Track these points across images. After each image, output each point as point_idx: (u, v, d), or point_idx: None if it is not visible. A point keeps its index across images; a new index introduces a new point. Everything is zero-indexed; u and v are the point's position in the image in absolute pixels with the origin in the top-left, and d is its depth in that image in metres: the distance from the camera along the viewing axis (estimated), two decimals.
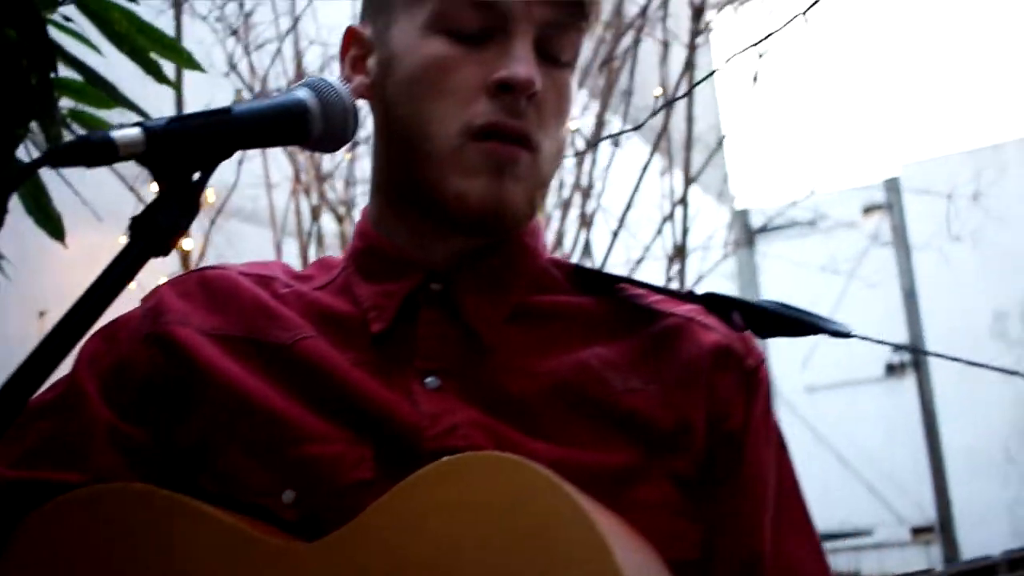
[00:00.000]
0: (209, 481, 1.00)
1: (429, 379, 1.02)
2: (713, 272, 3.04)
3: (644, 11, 2.51)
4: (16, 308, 2.51)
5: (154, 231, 0.84)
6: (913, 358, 7.47)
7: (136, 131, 0.83)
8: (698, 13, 2.41)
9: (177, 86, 1.47)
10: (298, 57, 2.49)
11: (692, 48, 2.55)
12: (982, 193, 4.87)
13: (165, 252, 0.85)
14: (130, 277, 0.84)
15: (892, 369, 7.45)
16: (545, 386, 1.03)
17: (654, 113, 1.85)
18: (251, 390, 1.02)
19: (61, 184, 1.62)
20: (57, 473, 1.01)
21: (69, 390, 1.05)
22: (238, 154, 0.94)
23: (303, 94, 0.95)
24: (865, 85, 7.80)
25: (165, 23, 2.41)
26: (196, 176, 0.88)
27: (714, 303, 1.09)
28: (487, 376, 1.03)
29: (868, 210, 7.61)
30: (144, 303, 1.09)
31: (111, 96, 1.48)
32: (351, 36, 1.13)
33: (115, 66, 1.57)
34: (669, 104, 1.37)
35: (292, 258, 2.67)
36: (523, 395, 1.02)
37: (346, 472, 0.97)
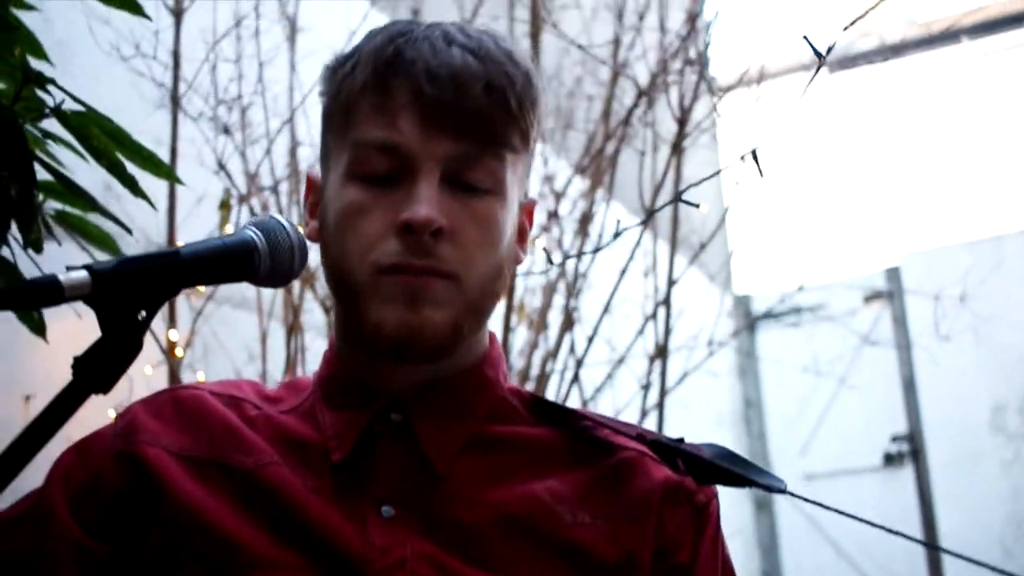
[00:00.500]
0: None
1: (385, 508, 1.07)
2: (700, 369, 3.06)
3: (628, 119, 2.56)
4: (1, 392, 2.54)
5: (97, 369, 0.88)
6: (911, 448, 7.44)
7: (82, 274, 0.88)
8: (682, 123, 2.47)
9: (147, 198, 1.51)
10: (292, 153, 2.54)
11: (677, 149, 2.60)
12: (982, 285, 4.89)
13: (106, 390, 0.89)
14: (69, 414, 0.88)
15: (890, 459, 7.41)
16: (495, 516, 1.08)
17: (656, 209, 1.87)
18: (210, 512, 1.06)
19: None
20: None
21: (38, 504, 1.10)
22: None
23: (251, 234, 1.00)
24: (867, 175, 7.87)
25: (162, 118, 2.47)
26: (141, 315, 0.92)
27: (659, 448, 1.13)
28: (440, 506, 1.08)
29: (869, 299, 7.63)
30: (118, 420, 1.15)
31: (90, 205, 1.53)
32: (309, 183, 1.22)
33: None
34: (675, 201, 1.39)
35: (278, 345, 2.70)
36: (473, 525, 1.07)
37: None
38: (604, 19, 2.93)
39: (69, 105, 1.48)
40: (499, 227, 1.11)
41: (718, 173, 1.64)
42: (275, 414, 1.16)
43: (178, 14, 2.51)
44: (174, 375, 2.44)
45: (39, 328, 1.68)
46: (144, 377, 2.65)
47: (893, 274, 7.67)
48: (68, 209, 1.77)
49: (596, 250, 1.68)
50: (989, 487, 6.51)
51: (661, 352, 2.72)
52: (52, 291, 0.86)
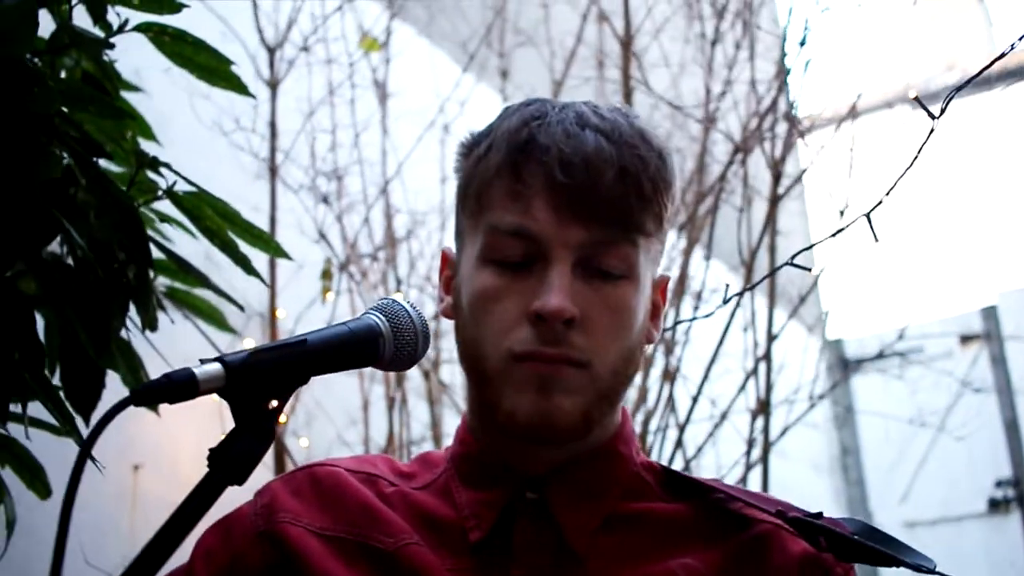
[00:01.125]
0: None
1: None
2: (800, 421, 3.00)
3: (724, 175, 2.55)
4: (112, 462, 2.58)
5: (230, 462, 0.89)
6: (1017, 493, 7.22)
7: (216, 367, 0.88)
8: (777, 177, 2.44)
9: (259, 275, 1.53)
10: (388, 220, 2.57)
11: (774, 204, 2.58)
12: None
13: (241, 481, 0.90)
14: (208, 506, 0.88)
15: (995, 504, 7.20)
16: None
17: (772, 272, 1.84)
18: None
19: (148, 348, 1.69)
20: None
21: None
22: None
23: (375, 320, 1.00)
24: (957, 213, 7.73)
25: (260, 188, 2.51)
26: (272, 404, 0.92)
27: (800, 525, 1.10)
28: None
29: (966, 340, 7.46)
30: (257, 499, 1.16)
31: (201, 282, 1.55)
32: (444, 259, 1.21)
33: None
34: (783, 266, 1.39)
35: (379, 404, 2.71)
36: None
37: None
38: (692, 72, 2.92)
39: (180, 186, 1.52)
40: (632, 313, 1.10)
41: (827, 239, 1.60)
42: (410, 491, 1.16)
43: (274, 86, 2.56)
44: (278, 442, 2.46)
45: (155, 407, 1.70)
46: None
47: (990, 313, 7.50)
48: (177, 285, 1.81)
49: (706, 315, 1.66)
50: None
51: (763, 407, 2.68)
52: (188, 386, 0.86)
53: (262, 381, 0.91)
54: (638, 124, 1.11)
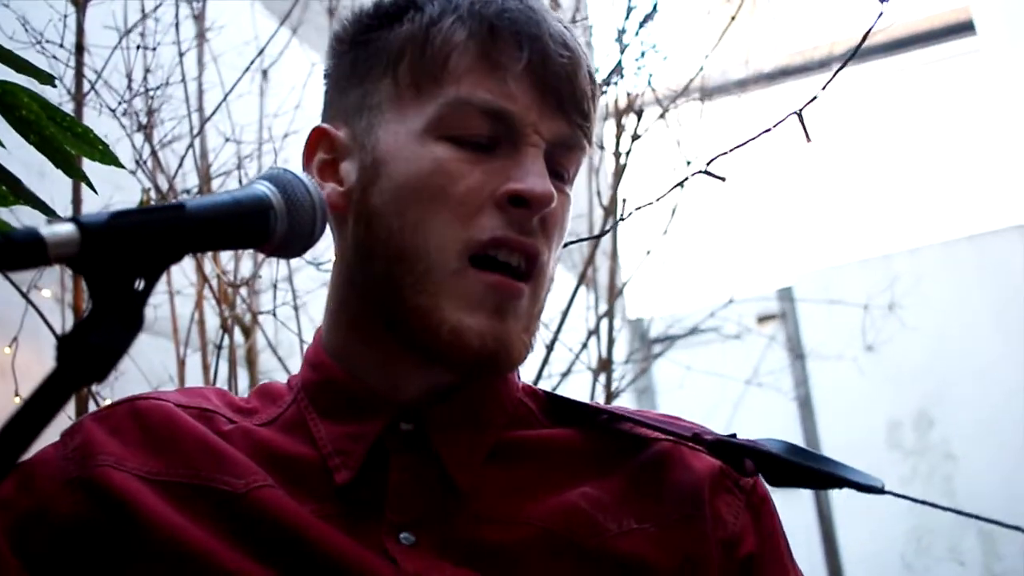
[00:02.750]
0: None
1: (404, 535, 0.91)
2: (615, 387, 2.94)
3: None
4: None
5: (88, 353, 0.68)
6: None
7: (69, 228, 0.68)
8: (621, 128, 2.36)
9: (87, 180, 1.30)
10: (204, 155, 2.33)
11: (619, 159, 2.49)
12: (874, 301, 4.94)
13: (101, 378, 0.70)
14: (55, 412, 0.68)
15: None
16: (533, 534, 0.93)
17: (605, 232, 1.75)
18: (198, 545, 0.88)
19: None
20: None
21: None
22: None
23: (265, 188, 0.81)
24: (758, 194, 7.93)
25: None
26: (139, 284, 0.73)
27: (723, 448, 0.99)
28: (467, 526, 0.93)
29: (762, 319, 7.66)
30: (67, 440, 0.95)
31: (14, 191, 1.31)
32: (319, 136, 1.02)
33: (12, 155, 1.41)
34: (600, 236, 1.29)
35: (196, 373, 2.48)
36: (507, 546, 0.92)
37: None
38: None
39: None
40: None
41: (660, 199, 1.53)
42: (253, 427, 0.99)
43: (81, 5, 2.29)
44: (80, 403, 2.20)
45: None
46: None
47: (786, 293, 7.73)
48: None
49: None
50: (888, 503, 6.54)
51: (605, 365, 2.59)
52: (33, 249, 0.66)
53: (127, 251, 0.71)
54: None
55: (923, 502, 1.07)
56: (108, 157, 1.35)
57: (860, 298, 5.11)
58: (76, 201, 2.11)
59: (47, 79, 1.25)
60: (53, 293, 2.43)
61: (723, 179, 1.23)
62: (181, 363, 2.44)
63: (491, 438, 0.99)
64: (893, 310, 4.93)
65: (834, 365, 5.83)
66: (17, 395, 2.32)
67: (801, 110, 1.09)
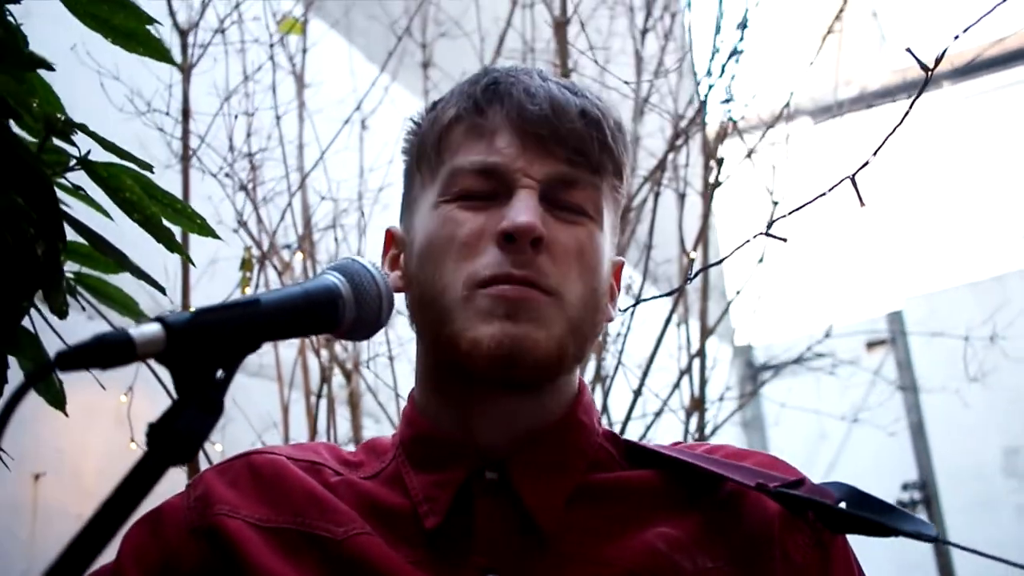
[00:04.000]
0: None
1: (490, 575, 0.96)
2: (726, 422, 2.96)
3: (661, 164, 2.48)
4: (12, 471, 2.40)
5: (174, 438, 0.76)
6: (923, 495, 7.32)
7: (156, 328, 0.76)
8: (709, 169, 2.39)
9: (186, 255, 1.40)
10: (307, 212, 2.44)
11: (708, 201, 2.52)
12: (985, 326, 4.83)
13: (187, 460, 0.77)
14: (148, 491, 0.76)
15: (903, 507, 7.29)
16: (613, 575, 0.97)
17: (689, 280, 1.79)
18: None
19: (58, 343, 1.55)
20: None
21: None
22: None
23: (334, 279, 0.89)
24: (866, 219, 7.83)
25: (172, 178, 2.37)
26: (220, 374, 0.80)
27: (786, 499, 1.02)
28: (550, 568, 0.98)
29: (872, 345, 7.56)
30: (190, 491, 1.05)
31: (120, 263, 1.41)
32: (389, 237, 1.14)
33: (120, 223, 1.51)
34: (705, 269, 1.32)
35: (299, 416, 2.58)
36: None
37: None
38: (622, 63, 2.85)
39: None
40: (597, 254, 1.04)
41: (740, 247, 1.55)
42: (357, 480, 1.06)
43: (187, 70, 2.42)
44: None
45: (59, 401, 1.56)
46: None
47: (895, 318, 7.62)
48: (87, 271, 1.66)
49: (624, 310, 1.58)
50: (1004, 532, 6.39)
51: (698, 405, 2.61)
52: (123, 349, 0.74)
53: (208, 345, 0.79)
54: (591, 92, 1.09)
55: (978, 553, 1.08)
56: (206, 230, 1.45)
57: (970, 322, 5.01)
58: (185, 269, 2.23)
59: (146, 166, 1.35)
60: None
61: (784, 240, 1.27)
62: (285, 408, 2.55)
63: (572, 481, 1.03)
64: (1002, 337, 4.81)
65: (947, 392, 5.71)
66: (132, 441, 2.45)
67: (854, 175, 1.12)
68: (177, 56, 2.47)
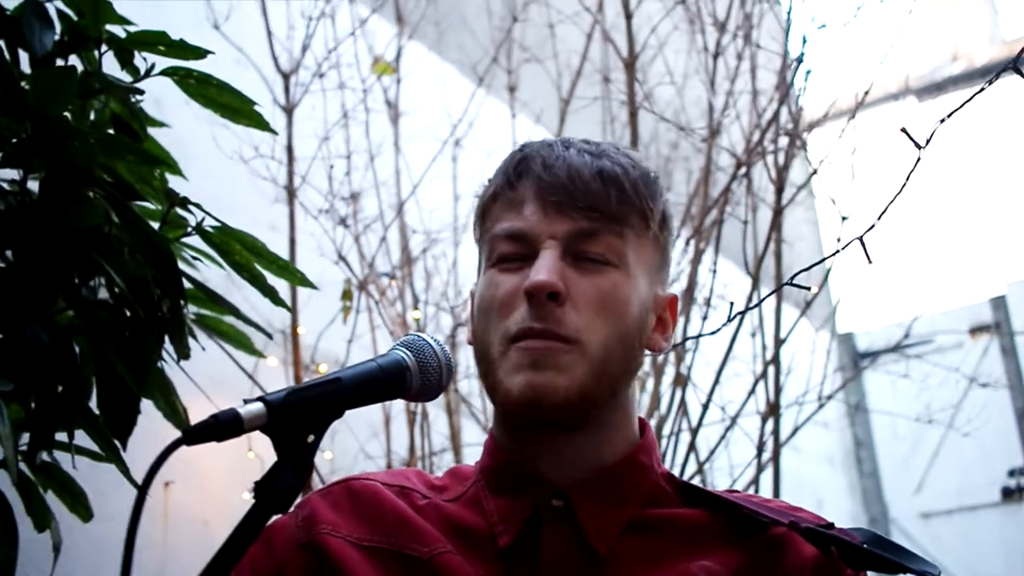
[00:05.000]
0: None
1: None
2: (811, 420, 3.08)
3: (728, 187, 2.62)
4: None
5: (274, 493, 0.97)
6: None
7: (259, 407, 0.96)
8: (780, 189, 2.51)
9: (287, 307, 1.61)
10: (404, 239, 2.65)
11: (777, 215, 2.65)
12: None
13: (283, 510, 0.98)
14: (256, 534, 0.96)
15: (1009, 493, 7.25)
16: None
17: (775, 291, 1.90)
18: None
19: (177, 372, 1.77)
20: None
21: None
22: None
23: (402, 355, 1.09)
24: (966, 202, 7.78)
25: (279, 212, 2.59)
26: (310, 439, 1.01)
27: (813, 535, 1.18)
28: None
29: (975, 331, 7.52)
30: (297, 512, 1.24)
31: (232, 313, 1.63)
32: (470, 298, 1.31)
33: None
34: (784, 285, 1.44)
35: (400, 418, 2.79)
36: None
37: None
38: (695, 86, 2.99)
39: (207, 221, 1.60)
40: (622, 300, 1.19)
41: (831, 256, 1.67)
42: (442, 503, 1.24)
43: (289, 111, 2.64)
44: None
45: (183, 423, 1.78)
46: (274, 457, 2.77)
47: (999, 303, 7.56)
48: (204, 312, 1.89)
49: (712, 332, 1.73)
50: None
51: (773, 410, 2.75)
52: (233, 426, 0.94)
53: (301, 417, 0.99)
54: (626, 150, 1.25)
55: None
56: (304, 282, 1.67)
57: None
58: (293, 298, 2.46)
59: (251, 239, 1.56)
60: (279, 358, 2.80)
61: (870, 260, 1.39)
62: (387, 419, 2.77)
63: (628, 514, 1.19)
64: None
65: None
66: (251, 450, 2.70)
67: (863, 236, 1.26)
68: (280, 97, 2.70)
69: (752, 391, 2.79)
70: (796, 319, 2.87)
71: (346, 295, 2.40)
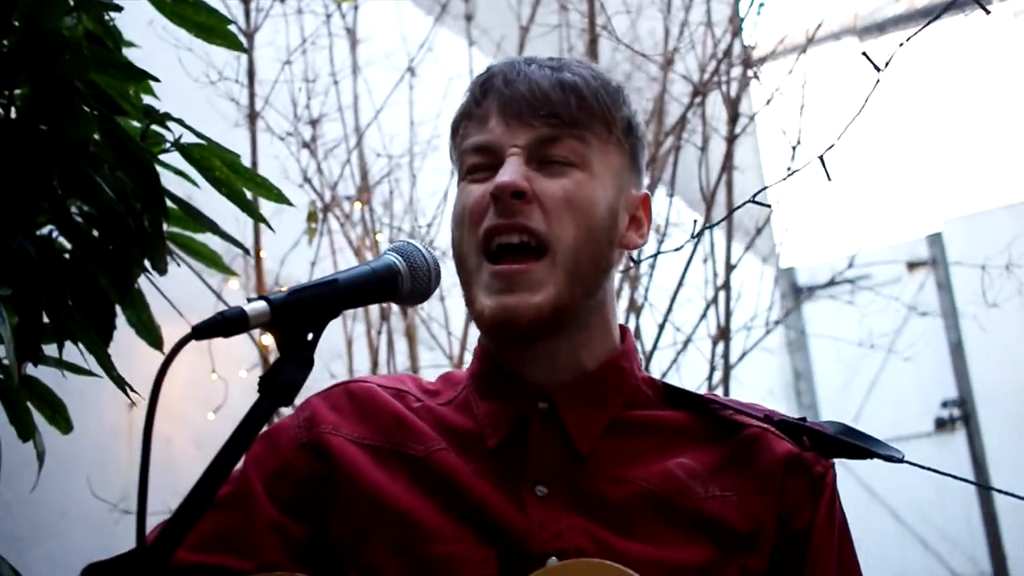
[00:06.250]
0: (355, 573, 1.18)
1: (539, 487, 1.21)
2: (758, 346, 3.17)
3: (683, 116, 2.68)
4: (108, 400, 2.69)
5: (278, 387, 1.02)
6: (962, 412, 7.51)
7: (262, 305, 1.02)
8: (733, 118, 2.58)
9: (265, 221, 1.65)
10: (363, 165, 2.68)
11: (731, 144, 2.72)
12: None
13: (287, 403, 1.03)
14: (261, 426, 1.02)
15: (942, 424, 7.48)
16: (636, 492, 1.21)
17: (732, 212, 1.98)
18: (392, 494, 1.22)
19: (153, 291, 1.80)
20: (229, 560, 1.21)
21: (239, 487, 1.26)
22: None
23: (393, 259, 1.14)
24: (905, 141, 7.91)
25: (241, 136, 2.61)
26: (310, 336, 1.06)
27: (786, 427, 1.26)
28: (585, 482, 1.22)
29: (912, 266, 7.70)
30: (299, 413, 1.31)
31: (211, 229, 1.67)
32: None
33: (195, 190, 1.74)
34: (744, 204, 1.49)
35: (362, 347, 2.84)
36: (617, 501, 1.21)
37: (471, 570, 1.16)
38: (651, 16, 3.04)
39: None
40: (587, 197, 1.25)
41: (781, 180, 1.74)
42: (435, 406, 1.31)
43: (250, 36, 2.65)
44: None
45: (156, 341, 1.81)
46: (239, 380, 2.81)
47: (935, 240, 7.74)
48: (178, 231, 1.92)
49: (676, 249, 1.80)
50: None
51: (723, 334, 2.84)
52: (240, 322, 0.99)
53: (300, 316, 1.04)
54: (588, 64, 1.32)
55: (943, 473, 1.31)
56: (281, 198, 1.70)
57: (1011, 245, 5.12)
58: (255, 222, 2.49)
59: (232, 155, 1.59)
60: (241, 284, 2.83)
61: (829, 177, 1.46)
62: (349, 341, 2.82)
63: (608, 415, 1.26)
64: None
65: (985, 312, 5.85)
66: (214, 371, 2.75)
67: (823, 155, 1.33)
68: (241, 22, 2.70)
69: (704, 315, 2.88)
70: (744, 249, 2.96)
71: (311, 217, 2.44)
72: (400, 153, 2.78)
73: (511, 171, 1.21)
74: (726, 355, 2.83)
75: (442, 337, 2.82)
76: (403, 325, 2.88)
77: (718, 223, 1.83)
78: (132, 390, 1.55)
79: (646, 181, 1.39)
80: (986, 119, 7.63)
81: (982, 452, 7.29)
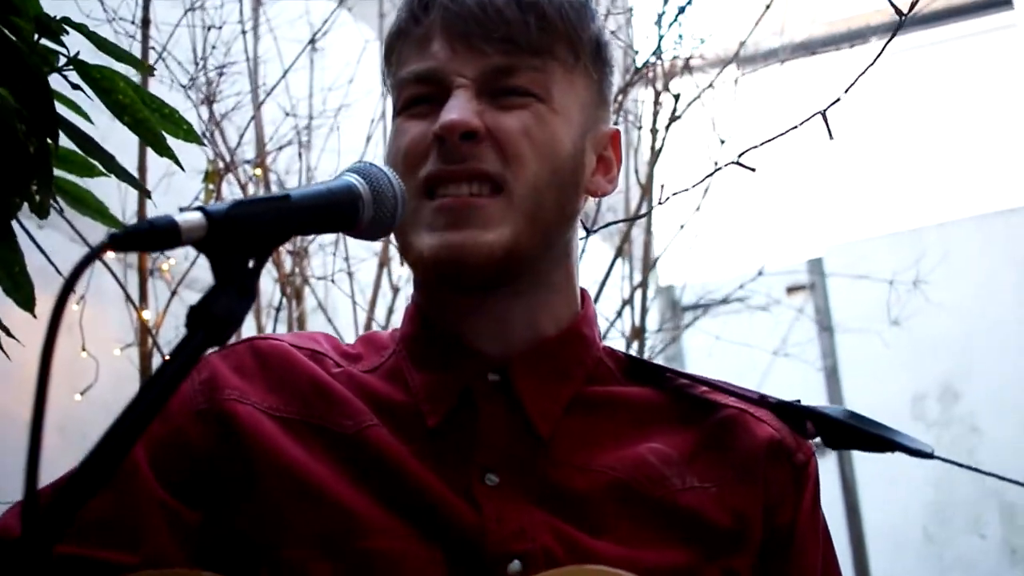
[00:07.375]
0: (269, 571, 0.96)
1: (488, 476, 1.01)
2: (648, 354, 3.06)
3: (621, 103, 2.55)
4: None
5: (211, 321, 0.81)
6: None
7: (198, 216, 0.81)
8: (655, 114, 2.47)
9: (174, 156, 1.42)
10: (260, 130, 2.46)
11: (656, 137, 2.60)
12: (902, 275, 4.99)
13: (223, 341, 0.82)
14: (189, 369, 0.80)
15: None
16: (604, 482, 1.03)
17: (637, 218, 1.86)
18: (316, 476, 1.00)
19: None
20: (110, 552, 0.97)
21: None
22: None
23: (353, 180, 0.94)
24: (792, 166, 7.98)
25: None
26: (251, 263, 0.85)
27: (786, 411, 1.09)
28: (545, 470, 1.03)
29: (792, 290, 7.74)
30: (195, 375, 1.06)
31: (107, 167, 1.44)
32: None
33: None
34: (636, 218, 1.36)
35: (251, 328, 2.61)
36: (582, 492, 1.03)
37: (418, 570, 0.95)
38: None
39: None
40: (549, 133, 1.06)
41: (715, 170, 1.62)
42: (357, 373, 1.10)
43: None
44: (145, 358, 2.34)
45: (28, 302, 1.57)
46: (111, 358, 2.55)
47: (815, 265, 7.81)
48: (62, 174, 1.67)
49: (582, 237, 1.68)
50: (911, 474, 6.63)
51: (638, 333, 2.71)
52: (169, 234, 0.78)
53: (243, 236, 0.84)
54: None
55: (975, 469, 1.16)
56: (192, 135, 1.48)
57: (888, 271, 5.15)
58: (141, 168, 2.25)
59: (148, 69, 1.37)
60: (116, 255, 2.57)
61: (753, 169, 1.34)
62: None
63: (570, 390, 1.08)
64: (919, 285, 4.97)
65: (861, 337, 5.89)
66: (84, 349, 2.47)
67: (825, 111, 1.20)
68: None
69: (619, 313, 2.74)
70: (612, 259, 2.82)
71: (209, 177, 2.20)
72: (304, 119, 2.56)
73: (459, 107, 1.02)
74: (640, 354, 2.69)
75: (341, 323, 2.60)
76: (297, 312, 2.66)
77: (646, 213, 1.66)
78: (9, 335, 1.30)
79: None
80: (870, 148, 7.75)
81: (852, 477, 7.34)
